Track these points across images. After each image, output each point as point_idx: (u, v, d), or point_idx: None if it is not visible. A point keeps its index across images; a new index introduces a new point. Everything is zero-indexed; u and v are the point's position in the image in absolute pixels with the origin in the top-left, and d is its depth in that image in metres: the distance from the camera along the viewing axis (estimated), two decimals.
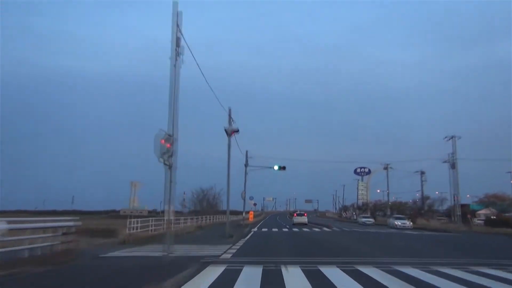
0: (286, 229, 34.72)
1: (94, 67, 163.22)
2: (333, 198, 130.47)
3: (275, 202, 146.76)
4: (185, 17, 11.26)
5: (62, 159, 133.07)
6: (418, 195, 69.47)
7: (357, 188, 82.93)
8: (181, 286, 7.22)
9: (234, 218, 43.80)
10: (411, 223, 42.77)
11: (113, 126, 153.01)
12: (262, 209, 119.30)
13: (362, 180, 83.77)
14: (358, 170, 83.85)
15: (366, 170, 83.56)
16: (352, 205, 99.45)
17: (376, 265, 10.16)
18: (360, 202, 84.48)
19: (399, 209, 70.30)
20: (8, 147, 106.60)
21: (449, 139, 44.44)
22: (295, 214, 52.76)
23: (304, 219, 47.31)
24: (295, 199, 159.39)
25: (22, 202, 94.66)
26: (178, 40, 11.12)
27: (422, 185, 63.17)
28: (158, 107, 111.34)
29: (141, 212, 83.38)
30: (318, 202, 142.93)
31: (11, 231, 9.07)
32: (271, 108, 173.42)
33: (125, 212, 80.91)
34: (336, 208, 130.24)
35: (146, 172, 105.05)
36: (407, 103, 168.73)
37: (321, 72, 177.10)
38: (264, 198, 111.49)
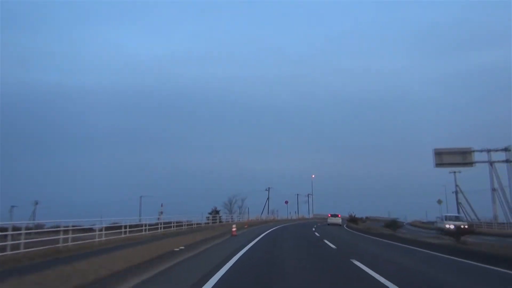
0: None
1: (70, 81, 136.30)
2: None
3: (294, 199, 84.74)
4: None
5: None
6: None
7: None
8: None
9: None
10: None
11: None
12: (235, 214, 54.31)
13: None
14: None
15: None
16: None
17: None
18: None
19: None
20: None
21: None
22: (329, 215, 53.63)
23: (338, 220, 49.87)
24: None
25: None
26: None
27: None
28: None
29: None
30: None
31: None
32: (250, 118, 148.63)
33: None
34: None
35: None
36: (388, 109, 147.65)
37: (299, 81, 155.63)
38: None
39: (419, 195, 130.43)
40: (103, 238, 18.83)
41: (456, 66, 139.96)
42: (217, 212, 50.15)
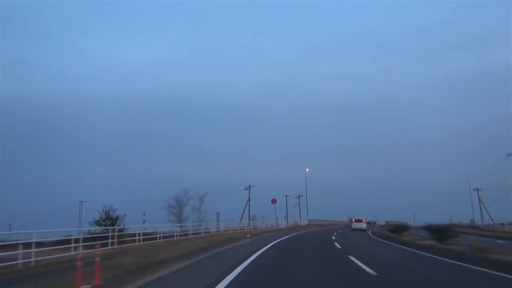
0: None
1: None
2: None
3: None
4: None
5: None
6: None
7: None
8: None
9: None
10: None
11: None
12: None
13: None
14: None
15: None
16: None
17: None
18: None
19: None
20: None
21: None
22: (353, 220, 50.64)
23: (363, 225, 46.97)
24: None
25: None
26: None
27: None
28: None
29: None
30: None
31: None
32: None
33: None
34: None
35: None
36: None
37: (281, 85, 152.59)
38: None
39: (418, 195, 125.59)
40: (33, 259, 12.94)
41: (441, 70, 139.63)
42: (111, 220, 22.81)
